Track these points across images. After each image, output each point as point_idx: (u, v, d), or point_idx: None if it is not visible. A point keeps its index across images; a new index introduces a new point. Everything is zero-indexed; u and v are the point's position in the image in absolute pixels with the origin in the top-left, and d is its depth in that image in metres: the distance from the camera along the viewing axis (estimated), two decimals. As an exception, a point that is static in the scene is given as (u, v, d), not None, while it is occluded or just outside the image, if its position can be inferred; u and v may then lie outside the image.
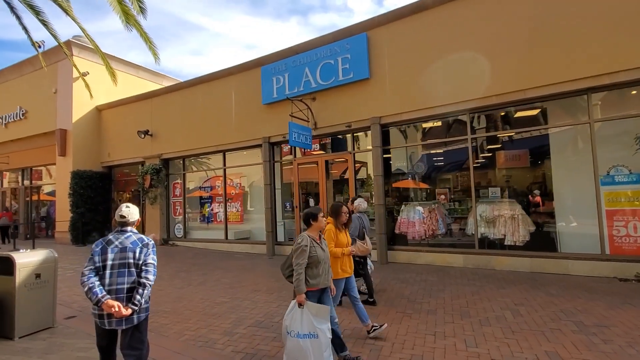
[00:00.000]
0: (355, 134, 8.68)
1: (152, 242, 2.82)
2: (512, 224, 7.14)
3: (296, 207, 9.39)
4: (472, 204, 7.22)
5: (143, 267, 2.62)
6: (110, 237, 2.69)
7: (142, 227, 12.84)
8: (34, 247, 11.16)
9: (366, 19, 8.22)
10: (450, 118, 7.59)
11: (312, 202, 9.73)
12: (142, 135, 12.07)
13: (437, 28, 7.27)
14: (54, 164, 13.75)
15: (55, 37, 8.06)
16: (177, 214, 12.07)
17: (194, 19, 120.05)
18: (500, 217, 7.22)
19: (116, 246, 2.63)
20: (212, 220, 11.61)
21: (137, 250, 2.65)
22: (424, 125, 8.19)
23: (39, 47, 10.69)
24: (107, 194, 13.81)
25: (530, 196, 7.37)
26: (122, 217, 2.73)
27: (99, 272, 2.55)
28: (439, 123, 8.01)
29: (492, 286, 5.56)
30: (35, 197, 15.77)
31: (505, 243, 7.00)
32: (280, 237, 9.74)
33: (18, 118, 14.47)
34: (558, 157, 6.83)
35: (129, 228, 2.75)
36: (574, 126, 6.53)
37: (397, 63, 7.73)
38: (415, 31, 7.54)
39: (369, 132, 8.25)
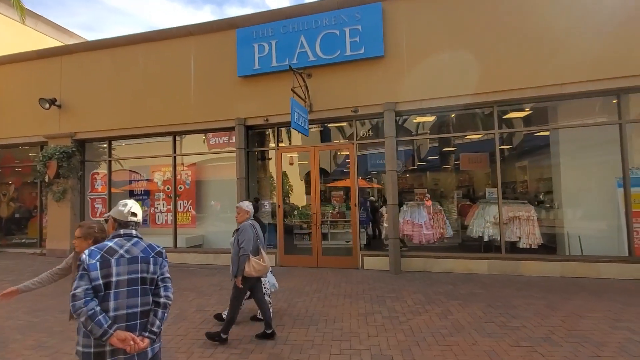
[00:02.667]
0: (357, 121, 7.37)
1: (164, 249, 2.14)
2: (527, 225, 6.81)
3: (279, 207, 7.63)
4: (499, 205, 6.60)
5: (160, 283, 2.02)
6: (111, 244, 1.97)
7: (40, 232, 9.33)
8: None
9: (379, -13, 7.00)
10: (477, 109, 6.91)
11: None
12: (47, 106, 8.67)
13: (466, 5, 6.49)
14: None
15: None
16: (98, 215, 9.00)
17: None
18: (515, 219, 6.82)
19: (122, 256, 1.94)
20: (147, 223, 8.98)
21: (151, 261, 2.01)
22: (420, 119, 7.42)
23: None
24: (-20, 186, 9.69)
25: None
26: (134, 214, 2.07)
27: (99, 292, 1.85)
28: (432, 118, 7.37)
29: (555, 297, 4.90)
30: None
31: (520, 246, 6.63)
32: (253, 244, 7.83)
33: None
34: (567, 158, 6.70)
35: (134, 232, 2.07)
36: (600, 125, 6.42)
37: (417, 42, 6.72)
38: (440, 7, 6.65)
39: (367, 121, 7.08)
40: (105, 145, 9.08)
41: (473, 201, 7.80)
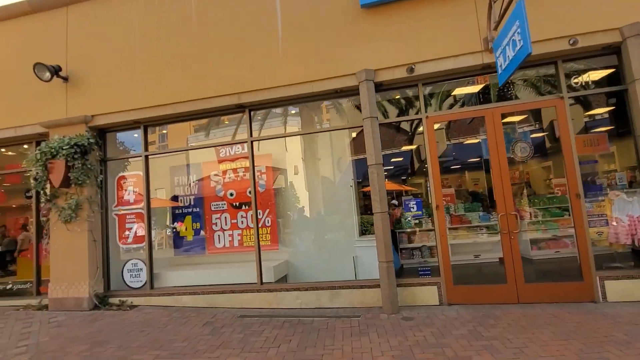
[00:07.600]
0: (562, 65, 4.66)
1: None
2: None
3: (437, 207, 4.77)
4: None
5: None
6: None
7: (37, 272, 6.15)
8: None
9: None
10: None
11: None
12: (47, 76, 5.67)
13: None
14: None
15: None
16: (129, 241, 5.92)
17: None
18: None
19: None
20: (204, 248, 6.04)
21: None
22: None
23: None
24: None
25: None
26: None
27: None
28: None
29: None
30: None
31: None
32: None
33: None
34: None
35: None
36: None
37: None
38: None
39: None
40: (136, 134, 6.09)
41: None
